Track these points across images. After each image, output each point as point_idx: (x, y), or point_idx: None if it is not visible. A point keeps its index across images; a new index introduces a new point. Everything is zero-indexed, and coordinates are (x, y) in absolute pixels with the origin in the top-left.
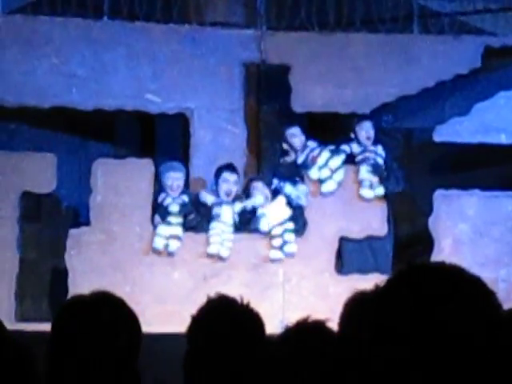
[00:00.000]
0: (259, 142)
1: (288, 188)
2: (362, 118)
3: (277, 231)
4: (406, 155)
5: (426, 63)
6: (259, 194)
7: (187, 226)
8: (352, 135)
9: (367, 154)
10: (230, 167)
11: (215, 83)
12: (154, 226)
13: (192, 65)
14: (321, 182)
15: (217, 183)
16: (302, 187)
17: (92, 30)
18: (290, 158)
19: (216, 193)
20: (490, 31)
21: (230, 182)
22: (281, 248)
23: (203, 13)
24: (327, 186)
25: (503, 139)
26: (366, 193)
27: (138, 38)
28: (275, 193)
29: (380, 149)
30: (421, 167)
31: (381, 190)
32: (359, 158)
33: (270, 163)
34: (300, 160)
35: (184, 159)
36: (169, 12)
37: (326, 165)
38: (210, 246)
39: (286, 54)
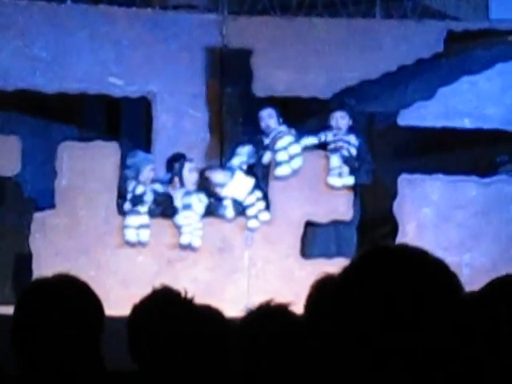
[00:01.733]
0: (221, 126)
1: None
2: (338, 106)
3: (250, 200)
4: (370, 139)
5: (389, 47)
6: (218, 176)
7: (153, 213)
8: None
9: (340, 144)
10: (184, 156)
11: (177, 67)
12: (123, 213)
13: (155, 49)
14: (276, 164)
15: (180, 174)
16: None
17: (56, 13)
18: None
19: (168, 182)
20: (453, 15)
21: (193, 171)
22: (256, 217)
23: None
24: (281, 170)
25: (467, 123)
26: (334, 181)
27: (102, 21)
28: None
29: (353, 138)
30: (384, 151)
31: (350, 180)
32: (331, 146)
33: (232, 146)
34: (266, 142)
35: (147, 142)
36: None
37: (286, 149)
38: (182, 236)
39: (248, 39)
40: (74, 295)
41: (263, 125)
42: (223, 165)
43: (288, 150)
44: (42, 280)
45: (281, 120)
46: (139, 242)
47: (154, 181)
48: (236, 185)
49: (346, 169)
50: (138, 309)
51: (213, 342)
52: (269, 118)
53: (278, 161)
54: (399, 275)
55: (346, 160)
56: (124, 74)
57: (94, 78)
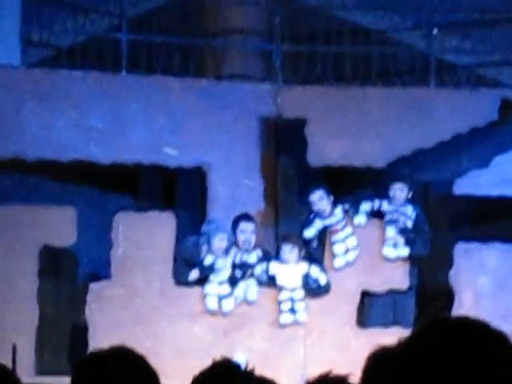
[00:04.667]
0: (276, 195)
1: (314, 270)
2: (397, 177)
3: (284, 296)
4: (425, 208)
5: (443, 116)
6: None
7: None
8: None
9: (396, 216)
10: (245, 217)
11: (232, 137)
12: (184, 282)
13: (209, 118)
14: (333, 256)
15: (235, 234)
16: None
17: (110, 84)
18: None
19: (234, 243)
20: (507, 84)
21: (247, 232)
22: (291, 311)
23: (220, 66)
24: (337, 262)
25: None
26: (389, 252)
27: (156, 91)
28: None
29: (410, 209)
30: (440, 220)
31: (405, 251)
32: (388, 217)
33: (287, 215)
34: (320, 224)
35: (202, 213)
36: (186, 65)
37: (343, 241)
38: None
39: (302, 108)
40: (130, 368)
41: (315, 208)
42: (278, 234)
43: (345, 242)
44: (97, 352)
45: (332, 197)
46: (221, 310)
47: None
48: (289, 272)
49: (401, 239)
50: (199, 380)
51: None
52: (320, 200)
53: (335, 253)
54: (461, 349)
55: (402, 231)
56: (179, 144)
57: (149, 149)
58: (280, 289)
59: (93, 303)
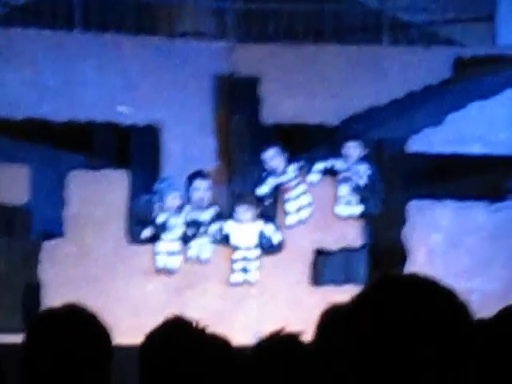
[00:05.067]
0: (229, 153)
1: (269, 228)
2: (351, 136)
3: (238, 255)
4: (378, 166)
5: (396, 74)
6: (239, 214)
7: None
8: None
9: (349, 174)
10: (199, 174)
11: (185, 95)
12: (138, 240)
13: (162, 76)
14: (285, 214)
15: (188, 192)
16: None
17: (63, 42)
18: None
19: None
20: (460, 42)
21: (202, 189)
22: (243, 271)
23: (173, 24)
24: (289, 220)
25: (476, 149)
26: (341, 210)
27: (109, 49)
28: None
29: (364, 168)
30: (393, 178)
31: (357, 210)
32: (341, 176)
33: (240, 173)
34: (273, 182)
35: (155, 170)
36: (139, 23)
37: (296, 199)
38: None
39: (256, 66)
40: (82, 325)
41: (269, 166)
42: (231, 192)
43: (298, 200)
44: (50, 310)
45: (286, 155)
46: (169, 268)
47: (180, 207)
48: (244, 231)
49: (354, 198)
50: (150, 338)
51: (223, 372)
52: (273, 158)
53: (287, 211)
54: (409, 305)
55: (355, 189)
56: (132, 102)
57: (102, 107)
58: (234, 248)
59: (46, 261)
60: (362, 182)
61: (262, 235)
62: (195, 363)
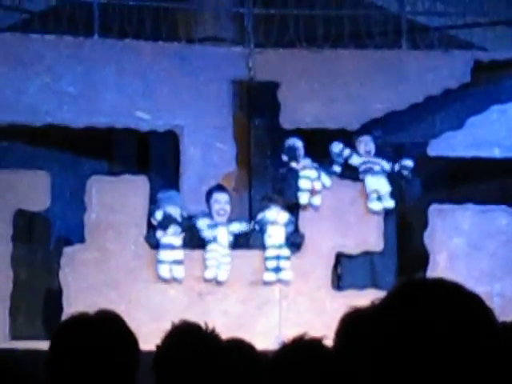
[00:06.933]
0: (249, 158)
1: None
2: (361, 132)
3: (270, 253)
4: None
5: (415, 78)
6: (270, 214)
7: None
8: (346, 152)
9: (370, 165)
10: (219, 188)
11: (204, 100)
12: (154, 246)
13: (181, 82)
14: (299, 190)
15: (209, 205)
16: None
17: (83, 48)
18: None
19: (210, 215)
20: (479, 45)
21: (222, 202)
22: (275, 270)
23: (192, 29)
24: (303, 199)
25: (496, 153)
26: (375, 206)
27: (128, 55)
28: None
29: (385, 162)
30: (414, 181)
31: (391, 203)
32: (362, 168)
33: (260, 179)
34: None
35: (175, 176)
36: (158, 29)
37: (310, 180)
38: (207, 270)
39: (275, 71)
40: (113, 332)
41: (290, 148)
42: (251, 197)
43: (311, 181)
44: (81, 315)
45: (304, 152)
46: (173, 278)
47: (182, 216)
48: (275, 231)
49: (384, 190)
50: (161, 347)
51: (242, 375)
52: (295, 144)
53: (300, 187)
54: (434, 309)
55: (390, 177)
56: (151, 108)
57: (122, 112)
58: (266, 248)
59: (67, 267)
60: (385, 176)
61: (290, 233)
62: (210, 367)
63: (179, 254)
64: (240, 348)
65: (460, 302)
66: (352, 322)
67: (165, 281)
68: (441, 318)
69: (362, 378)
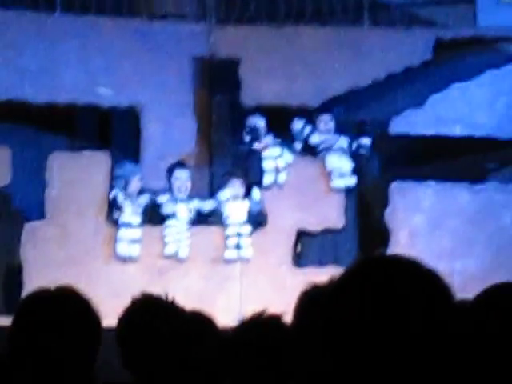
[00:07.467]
0: (210, 135)
1: (256, 193)
2: (321, 110)
3: (231, 231)
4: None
5: (377, 56)
6: (231, 190)
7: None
8: (307, 129)
9: (330, 143)
10: (180, 164)
11: (165, 77)
12: (111, 223)
13: (142, 58)
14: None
15: (170, 181)
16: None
17: (44, 24)
18: (246, 147)
19: (171, 192)
20: (441, 23)
21: (182, 179)
22: (236, 248)
23: (153, 5)
24: (267, 179)
25: (457, 131)
26: (338, 183)
27: (90, 31)
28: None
29: (344, 140)
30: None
31: (352, 181)
32: (322, 146)
33: (221, 155)
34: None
35: (136, 152)
36: (119, 5)
37: (274, 159)
38: (167, 247)
39: (236, 48)
40: (75, 307)
41: (252, 129)
42: (212, 173)
43: (275, 160)
44: (43, 291)
45: (266, 129)
46: (130, 256)
47: (142, 191)
48: (235, 207)
49: (346, 167)
50: (123, 320)
51: (204, 345)
52: (256, 125)
53: (264, 169)
54: (391, 287)
55: (350, 155)
56: (112, 83)
57: (83, 89)
58: (227, 225)
59: (27, 243)
60: (348, 150)
61: (250, 209)
62: (173, 336)
63: (137, 233)
64: (201, 319)
65: (417, 278)
66: (310, 299)
67: (122, 259)
68: (397, 294)
69: (318, 354)
